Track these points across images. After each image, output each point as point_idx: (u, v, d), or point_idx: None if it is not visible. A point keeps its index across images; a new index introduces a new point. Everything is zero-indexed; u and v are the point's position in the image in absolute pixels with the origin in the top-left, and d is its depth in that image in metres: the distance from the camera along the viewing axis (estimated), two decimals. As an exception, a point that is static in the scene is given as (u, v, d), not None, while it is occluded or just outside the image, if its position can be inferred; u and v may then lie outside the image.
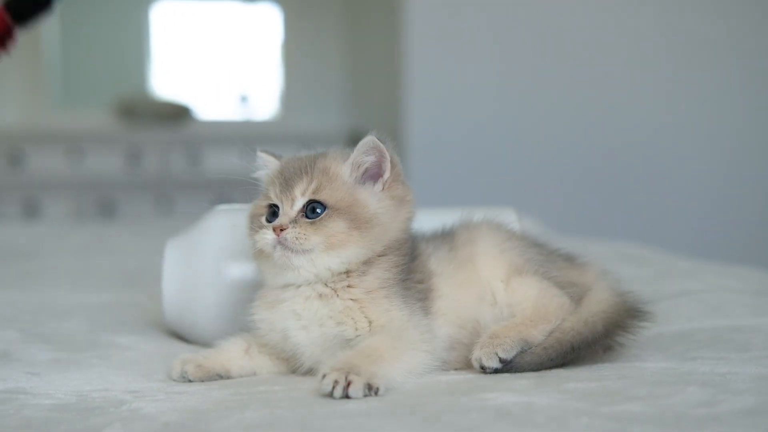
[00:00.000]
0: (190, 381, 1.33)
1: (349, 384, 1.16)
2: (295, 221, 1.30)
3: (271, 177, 1.38)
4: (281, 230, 1.29)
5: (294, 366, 1.37)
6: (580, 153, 4.21)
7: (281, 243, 1.29)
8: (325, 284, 1.32)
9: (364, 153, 1.33)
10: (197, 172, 5.24)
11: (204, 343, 1.56)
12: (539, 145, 4.19)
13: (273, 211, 1.33)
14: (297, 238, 1.28)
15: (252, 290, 1.54)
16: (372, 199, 1.33)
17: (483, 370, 1.28)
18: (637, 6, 4.27)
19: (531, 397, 1.14)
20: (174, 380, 1.34)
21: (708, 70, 4.29)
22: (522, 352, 1.30)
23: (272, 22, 6.00)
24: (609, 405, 1.09)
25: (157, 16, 5.99)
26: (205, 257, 1.56)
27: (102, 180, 5.11)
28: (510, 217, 1.60)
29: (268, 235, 1.30)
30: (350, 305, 1.30)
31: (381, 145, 1.32)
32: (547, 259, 1.45)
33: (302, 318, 1.32)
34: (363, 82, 5.45)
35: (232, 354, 1.38)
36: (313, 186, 1.31)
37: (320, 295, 1.32)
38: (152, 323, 1.72)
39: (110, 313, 1.82)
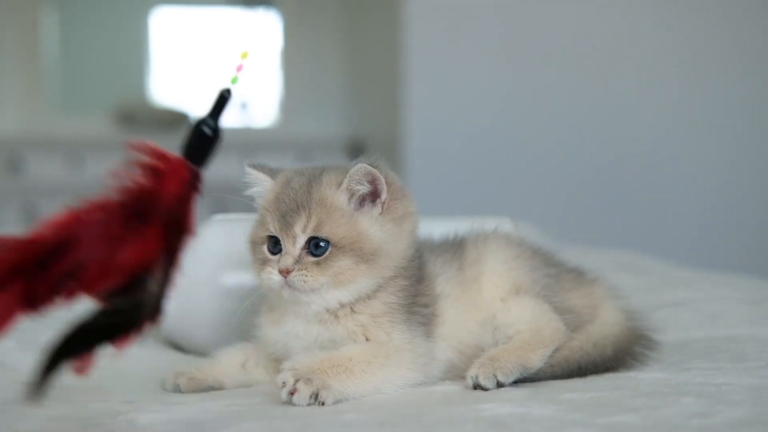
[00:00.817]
0: (182, 392, 1.33)
1: (294, 390, 1.17)
2: (299, 260, 1.26)
3: (267, 202, 1.32)
4: (287, 272, 1.26)
5: None
6: (579, 161, 4.21)
7: (288, 284, 1.26)
8: (330, 313, 1.30)
9: (356, 182, 1.28)
10: (196, 179, 5.23)
11: (201, 352, 1.56)
12: (539, 152, 4.19)
13: (275, 241, 1.29)
14: (304, 281, 1.26)
15: (248, 298, 1.54)
16: (374, 228, 1.29)
17: (476, 388, 1.27)
18: (638, 13, 4.27)
19: (526, 408, 1.14)
20: (167, 392, 1.34)
21: (710, 80, 4.28)
22: (520, 378, 1.29)
23: (272, 29, 6.01)
24: (604, 416, 1.09)
25: (156, 23, 6.00)
26: (202, 267, 1.57)
27: (101, 186, 5.10)
28: (506, 227, 1.60)
29: (274, 276, 1.27)
30: (354, 330, 1.29)
31: (373, 171, 1.27)
32: (554, 282, 1.44)
33: (303, 340, 1.31)
34: (362, 89, 5.45)
35: (226, 367, 1.38)
36: (313, 223, 1.26)
37: (320, 321, 1.30)
38: (150, 332, 1.71)
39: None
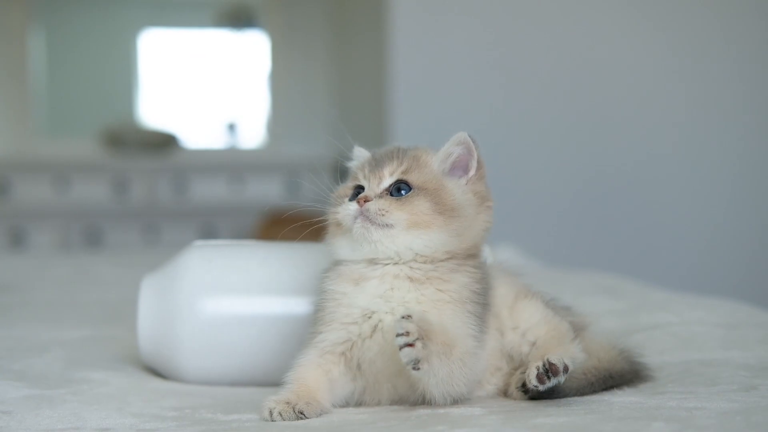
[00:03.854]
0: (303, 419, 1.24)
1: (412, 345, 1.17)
2: (379, 196, 1.32)
3: (362, 163, 1.40)
4: (365, 201, 1.31)
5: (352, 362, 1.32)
6: (562, 180, 4.23)
7: (363, 214, 1.30)
8: (416, 269, 1.31)
9: (454, 144, 1.37)
10: (184, 201, 5.25)
11: (179, 379, 1.57)
12: (524, 174, 4.21)
13: (357, 192, 1.35)
14: (380, 210, 1.29)
15: (228, 325, 1.55)
16: (457, 189, 1.35)
17: (539, 383, 1.27)
18: (637, 27, 4.27)
19: (498, 434, 1.14)
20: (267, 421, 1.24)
21: (710, 96, 4.26)
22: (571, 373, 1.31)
23: (260, 51, 6.03)
24: (573, 442, 1.10)
25: (144, 45, 6.02)
26: (181, 293, 1.57)
27: (88, 209, 5.12)
28: (484, 253, 1.61)
29: (351, 206, 1.31)
30: (443, 298, 1.29)
31: (470, 141, 1.36)
32: (547, 294, 1.48)
33: (390, 300, 1.30)
34: (350, 111, 5.48)
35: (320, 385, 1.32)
36: (402, 168, 1.34)
37: (410, 278, 1.31)
38: (128, 358, 1.72)
39: (87, 348, 1.82)
